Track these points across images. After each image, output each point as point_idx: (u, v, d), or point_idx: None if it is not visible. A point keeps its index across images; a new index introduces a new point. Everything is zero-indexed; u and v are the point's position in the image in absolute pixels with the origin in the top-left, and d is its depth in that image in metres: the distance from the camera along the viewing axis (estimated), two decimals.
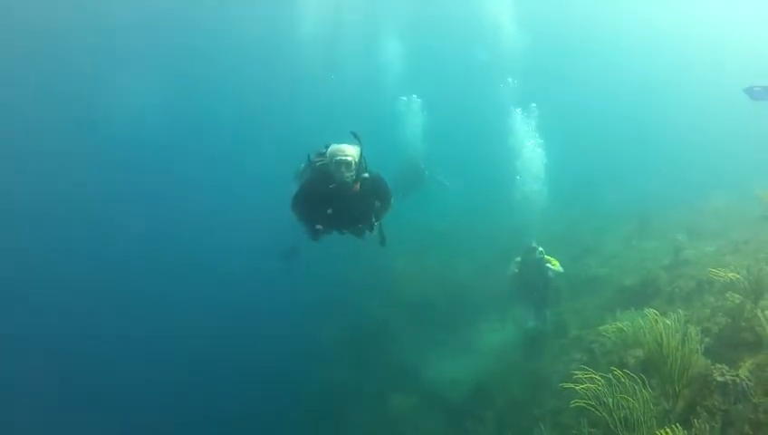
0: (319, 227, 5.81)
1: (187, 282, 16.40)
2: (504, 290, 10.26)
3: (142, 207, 20.62)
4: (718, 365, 4.35)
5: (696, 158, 18.66)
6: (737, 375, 4.15)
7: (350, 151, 5.62)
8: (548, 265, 9.23)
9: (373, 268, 13.02)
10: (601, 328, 6.99)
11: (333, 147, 5.70)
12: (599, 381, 4.64)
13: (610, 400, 4.62)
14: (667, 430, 3.82)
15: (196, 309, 15.10)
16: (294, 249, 12.25)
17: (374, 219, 6.09)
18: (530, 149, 14.96)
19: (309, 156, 5.96)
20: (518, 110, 15.85)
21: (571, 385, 4.80)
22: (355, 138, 5.68)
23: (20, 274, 16.86)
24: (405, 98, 18.20)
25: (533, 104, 15.97)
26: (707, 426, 3.76)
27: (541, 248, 9.30)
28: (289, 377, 11.87)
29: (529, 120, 15.47)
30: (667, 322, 4.82)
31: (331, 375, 11.16)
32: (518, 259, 9.44)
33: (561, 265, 9.37)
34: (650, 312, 5.04)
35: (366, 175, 5.77)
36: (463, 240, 14.98)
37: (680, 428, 3.83)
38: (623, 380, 4.59)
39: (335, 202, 5.74)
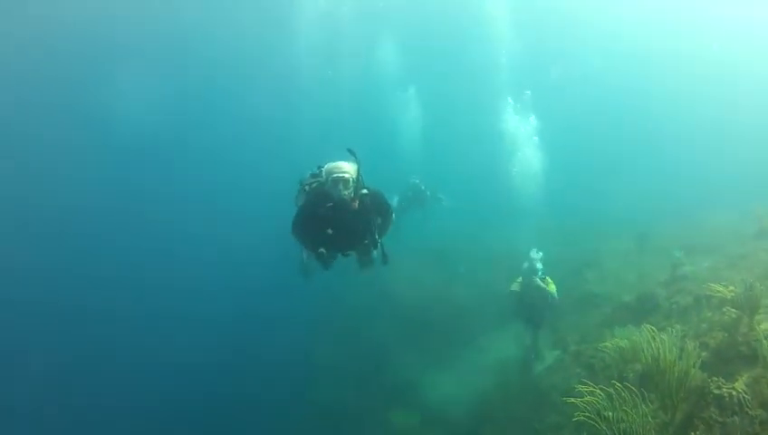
0: (322, 250, 5.64)
1: (187, 299, 16.37)
2: (502, 308, 10.24)
3: (144, 214, 20.80)
4: (714, 378, 4.43)
5: (693, 173, 18.81)
6: (733, 388, 4.23)
7: (347, 168, 5.47)
8: (545, 287, 9.13)
9: (372, 287, 12.96)
10: (601, 344, 7.12)
11: (329, 165, 5.56)
12: (599, 395, 4.73)
13: (610, 413, 4.72)
14: None
15: (195, 328, 15.10)
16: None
17: (376, 236, 5.91)
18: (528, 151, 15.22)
19: (300, 181, 5.88)
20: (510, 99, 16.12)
21: (572, 400, 4.89)
22: (351, 155, 5.52)
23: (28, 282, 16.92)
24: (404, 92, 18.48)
25: (528, 91, 16.31)
26: None
27: (540, 266, 9.23)
28: (289, 397, 11.86)
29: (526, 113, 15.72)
30: (664, 337, 4.92)
31: (333, 395, 11.15)
32: (519, 280, 9.34)
33: (558, 284, 9.27)
34: (647, 327, 5.13)
35: (364, 191, 5.60)
36: (461, 259, 15.01)
37: None
38: (622, 394, 4.69)
39: (335, 221, 5.54)
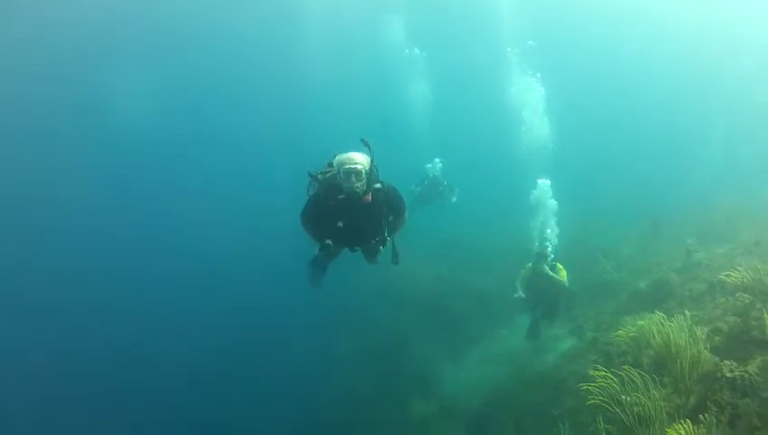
0: (329, 241, 5.46)
1: (203, 292, 16.59)
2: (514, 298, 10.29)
3: (155, 211, 21.02)
4: (727, 362, 4.56)
5: (708, 159, 18.72)
6: (745, 371, 4.36)
7: (360, 159, 5.23)
8: (556, 274, 9.04)
9: (387, 277, 13.05)
10: (616, 331, 7.25)
11: (341, 155, 5.32)
12: (613, 380, 4.88)
13: (625, 398, 4.87)
14: (678, 424, 4.05)
15: (212, 322, 15.34)
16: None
17: (387, 234, 5.68)
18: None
19: (309, 172, 5.59)
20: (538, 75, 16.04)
21: (588, 386, 5.05)
22: (365, 146, 5.28)
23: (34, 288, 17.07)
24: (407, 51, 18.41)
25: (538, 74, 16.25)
26: (715, 419, 3.96)
27: (551, 251, 9.17)
28: (307, 388, 12.06)
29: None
30: (673, 323, 5.06)
31: (352, 385, 11.34)
32: (529, 265, 9.26)
33: (572, 271, 9.26)
34: (657, 314, 5.27)
35: (378, 185, 5.37)
36: (475, 247, 15.09)
37: (690, 422, 4.07)
38: (637, 379, 4.84)
39: (345, 214, 5.36)
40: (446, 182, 14.00)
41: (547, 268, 8.97)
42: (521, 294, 9.18)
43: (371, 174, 5.31)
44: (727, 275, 6.80)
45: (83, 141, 22.41)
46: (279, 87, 25.15)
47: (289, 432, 11.21)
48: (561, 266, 9.08)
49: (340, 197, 5.24)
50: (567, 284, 9.08)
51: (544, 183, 9.61)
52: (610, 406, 4.69)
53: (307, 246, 6.09)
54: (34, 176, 21.05)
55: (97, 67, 23.46)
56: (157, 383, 13.03)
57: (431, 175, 14.08)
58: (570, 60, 25.25)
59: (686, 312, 5.47)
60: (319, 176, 5.50)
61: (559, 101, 16.39)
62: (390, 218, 5.71)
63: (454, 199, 14.29)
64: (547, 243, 9.45)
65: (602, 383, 4.98)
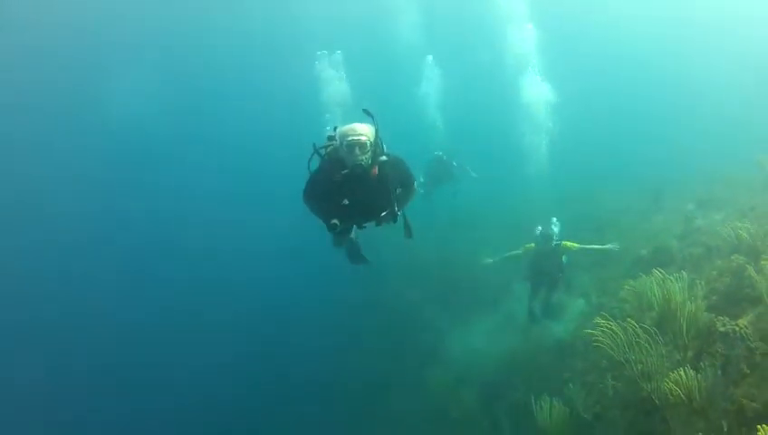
0: (335, 221, 5.14)
1: (224, 274, 17.11)
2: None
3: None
4: (720, 318, 5.03)
5: (706, 127, 18.99)
6: (736, 324, 4.83)
7: (364, 130, 4.88)
8: (564, 249, 9.27)
9: (399, 256, 13.16)
10: (620, 295, 7.73)
11: (344, 127, 4.96)
12: (619, 336, 5.34)
13: (631, 356, 5.35)
14: (677, 372, 4.54)
15: (233, 305, 15.85)
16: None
17: (396, 208, 5.36)
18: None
19: (314, 145, 5.23)
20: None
21: (599, 338, 5.49)
22: (368, 115, 4.99)
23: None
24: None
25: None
26: (709, 367, 4.45)
27: (557, 233, 9.38)
28: (326, 367, 12.53)
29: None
30: (673, 280, 5.54)
31: (372, 361, 11.81)
32: (531, 245, 9.39)
33: (580, 242, 9.53)
34: (656, 271, 5.73)
35: (384, 157, 5.07)
36: (483, 226, 15.36)
37: (689, 370, 4.56)
38: (641, 336, 5.31)
39: (351, 190, 5.04)
40: (455, 163, 13.71)
41: (554, 243, 9.22)
42: (488, 260, 9.86)
43: (376, 146, 5.01)
44: (722, 240, 7.28)
45: (84, 141, 22.82)
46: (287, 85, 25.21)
47: (312, 404, 11.84)
48: (569, 243, 9.33)
49: (343, 172, 4.94)
50: (579, 246, 9.38)
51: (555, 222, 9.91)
52: (619, 356, 5.12)
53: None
54: (35, 176, 21.53)
55: (96, 67, 23.71)
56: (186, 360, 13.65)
57: (435, 156, 13.78)
58: (570, 34, 25.26)
59: (684, 273, 5.90)
60: (321, 150, 5.21)
61: (560, 76, 16.54)
62: (399, 191, 5.42)
63: (474, 174, 13.99)
64: (553, 225, 9.60)
65: (610, 343, 5.44)
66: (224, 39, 25.75)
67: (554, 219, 9.84)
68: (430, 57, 19.09)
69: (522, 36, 16.85)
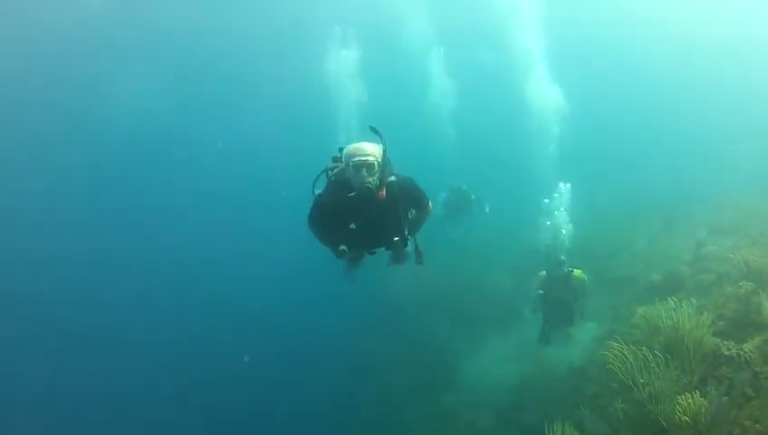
0: (343, 247, 4.88)
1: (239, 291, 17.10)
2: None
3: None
4: (725, 342, 5.19)
5: (719, 154, 19.04)
6: (741, 349, 4.99)
7: (371, 150, 4.63)
8: (574, 277, 9.16)
9: (411, 280, 13.05)
10: (632, 321, 7.87)
11: (350, 147, 4.73)
12: (629, 361, 5.50)
13: (640, 379, 5.50)
14: (685, 396, 4.70)
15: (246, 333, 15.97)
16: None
17: (407, 232, 5.11)
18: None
19: (326, 167, 5.02)
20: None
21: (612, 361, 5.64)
22: (376, 134, 4.72)
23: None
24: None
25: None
26: (714, 391, 4.61)
27: (565, 262, 9.27)
28: (341, 388, 12.55)
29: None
30: (683, 310, 5.71)
31: (387, 379, 11.96)
32: (542, 274, 9.34)
33: (588, 268, 9.55)
34: (669, 301, 5.91)
35: (393, 178, 4.80)
36: (494, 251, 15.44)
37: (696, 395, 4.72)
38: (650, 361, 5.46)
39: (358, 214, 4.78)
40: (473, 196, 13.73)
41: (565, 271, 9.16)
42: (538, 290, 9.33)
43: (384, 166, 4.74)
44: (732, 266, 7.43)
45: (84, 143, 22.65)
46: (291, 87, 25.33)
47: (326, 427, 11.94)
48: (578, 272, 9.24)
49: (350, 195, 4.66)
50: (587, 280, 9.24)
51: (566, 187, 9.90)
52: (628, 380, 5.27)
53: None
54: (35, 176, 21.33)
55: (97, 68, 23.72)
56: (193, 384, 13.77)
57: (459, 185, 13.80)
58: (583, 55, 25.45)
59: (693, 300, 6.07)
60: (327, 172, 4.98)
61: (572, 97, 16.74)
62: (413, 213, 5.21)
63: (487, 210, 13.98)
64: (562, 257, 9.41)
65: (621, 366, 5.59)
66: (228, 39, 25.53)
67: (563, 232, 9.89)
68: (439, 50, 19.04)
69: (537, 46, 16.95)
